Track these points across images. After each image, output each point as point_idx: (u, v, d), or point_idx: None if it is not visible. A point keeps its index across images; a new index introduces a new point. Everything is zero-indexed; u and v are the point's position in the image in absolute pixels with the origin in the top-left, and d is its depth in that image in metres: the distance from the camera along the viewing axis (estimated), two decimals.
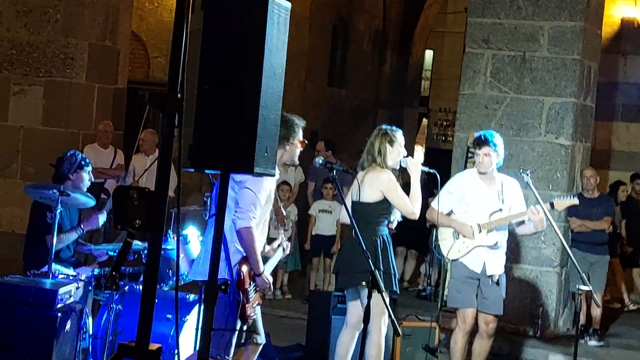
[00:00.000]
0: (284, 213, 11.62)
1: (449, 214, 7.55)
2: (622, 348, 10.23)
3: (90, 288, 6.66)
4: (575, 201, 7.88)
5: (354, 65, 17.78)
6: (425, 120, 19.73)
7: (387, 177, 6.83)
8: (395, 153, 6.87)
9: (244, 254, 5.61)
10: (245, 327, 5.62)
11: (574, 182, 10.45)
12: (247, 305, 5.50)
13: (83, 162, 7.25)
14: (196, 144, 4.23)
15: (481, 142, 7.54)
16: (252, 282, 5.64)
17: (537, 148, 10.15)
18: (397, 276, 6.99)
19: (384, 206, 6.82)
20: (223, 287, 5.00)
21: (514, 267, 10.14)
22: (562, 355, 9.42)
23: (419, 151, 19.97)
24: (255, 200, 5.65)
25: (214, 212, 5.63)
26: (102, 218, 7.17)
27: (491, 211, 7.61)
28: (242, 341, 5.72)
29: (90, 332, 6.64)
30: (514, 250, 10.11)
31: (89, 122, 11.55)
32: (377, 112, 17.75)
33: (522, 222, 7.71)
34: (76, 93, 11.48)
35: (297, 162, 6.20)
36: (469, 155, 7.78)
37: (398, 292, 7.07)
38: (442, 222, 7.53)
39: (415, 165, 6.91)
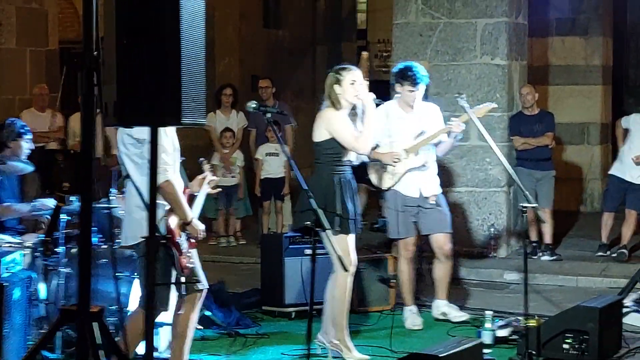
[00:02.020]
0: (230, 160, 11.58)
1: (375, 147, 7.55)
2: (574, 260, 10.39)
3: (37, 254, 6.61)
4: (493, 105, 7.96)
5: (289, 4, 17.62)
6: (365, 53, 19.65)
7: (330, 115, 6.78)
8: (348, 91, 6.75)
9: (167, 207, 5.53)
10: (183, 279, 5.55)
11: (514, 101, 10.52)
12: (181, 257, 5.45)
13: (22, 130, 7.19)
14: (121, 100, 4.17)
15: (415, 80, 7.55)
16: (182, 234, 5.60)
17: (474, 71, 10.20)
18: (356, 216, 6.83)
19: (333, 145, 6.77)
20: (163, 241, 5.00)
21: (463, 191, 10.24)
22: (516, 272, 9.53)
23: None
24: (162, 151, 5.52)
25: (126, 172, 5.57)
26: (51, 203, 7.14)
27: (414, 135, 7.70)
28: (183, 292, 5.66)
29: (45, 298, 6.61)
30: (461, 174, 10.21)
31: (23, 86, 11.44)
32: (315, 49, 17.65)
33: (439, 142, 7.77)
34: (7, 58, 11.36)
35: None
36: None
37: (340, 229, 6.72)
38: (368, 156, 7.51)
39: (369, 100, 6.85)
